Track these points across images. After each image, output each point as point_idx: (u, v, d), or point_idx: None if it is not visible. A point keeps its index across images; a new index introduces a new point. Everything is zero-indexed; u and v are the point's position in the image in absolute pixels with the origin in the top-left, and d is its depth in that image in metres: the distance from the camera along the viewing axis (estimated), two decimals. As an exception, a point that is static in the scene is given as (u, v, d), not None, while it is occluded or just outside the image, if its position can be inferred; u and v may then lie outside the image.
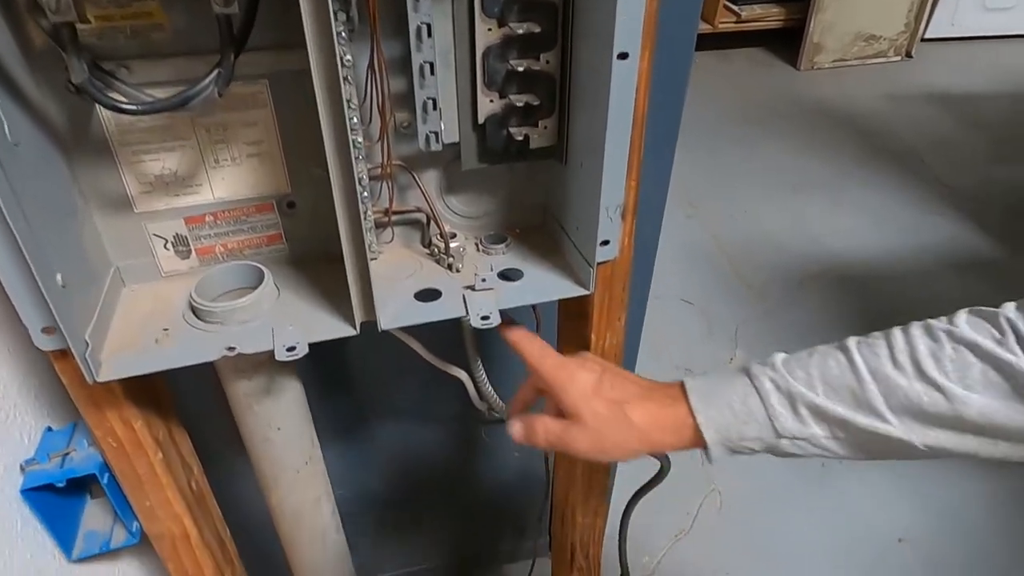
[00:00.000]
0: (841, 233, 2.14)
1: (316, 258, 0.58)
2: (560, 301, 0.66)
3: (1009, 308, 0.46)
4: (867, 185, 2.37)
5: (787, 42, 3.18)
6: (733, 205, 2.26)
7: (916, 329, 0.48)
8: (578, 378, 0.52)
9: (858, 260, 2.03)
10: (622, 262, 0.57)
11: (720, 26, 3.09)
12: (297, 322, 0.51)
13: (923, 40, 3.26)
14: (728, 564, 1.30)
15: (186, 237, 0.54)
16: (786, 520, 1.37)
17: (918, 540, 1.33)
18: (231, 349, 0.48)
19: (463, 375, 0.78)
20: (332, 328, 0.50)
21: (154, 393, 0.57)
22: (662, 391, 0.53)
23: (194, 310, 0.51)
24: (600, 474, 0.75)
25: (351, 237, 0.48)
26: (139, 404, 0.54)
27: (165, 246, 0.54)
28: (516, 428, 0.54)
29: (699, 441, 0.51)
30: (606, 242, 0.54)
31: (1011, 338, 0.43)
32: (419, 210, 0.58)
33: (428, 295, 0.54)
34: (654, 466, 0.74)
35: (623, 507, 0.84)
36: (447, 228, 0.58)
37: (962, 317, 0.47)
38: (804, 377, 0.49)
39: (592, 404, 0.51)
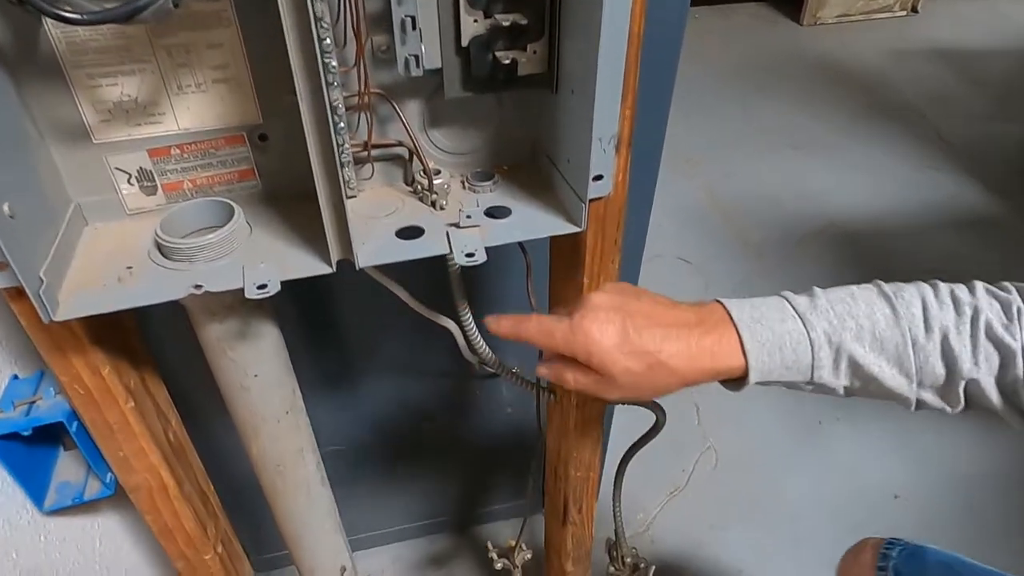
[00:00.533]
0: (840, 190, 2.10)
1: (291, 196, 0.54)
2: (552, 244, 0.63)
3: (1018, 296, 0.47)
4: (867, 142, 2.32)
5: (789, -3, 3.10)
6: (731, 163, 2.22)
7: (944, 294, 0.48)
8: (597, 338, 0.47)
9: (858, 217, 2.00)
10: (616, 199, 0.54)
11: (721, -21, 3.00)
12: (269, 260, 0.48)
13: (928, -5, 3.18)
14: (723, 521, 1.29)
15: (151, 171, 0.51)
16: (781, 477, 1.36)
17: (913, 496, 1.33)
18: (198, 287, 0.45)
19: (452, 325, 0.75)
20: (306, 266, 0.47)
21: (123, 339, 0.54)
22: (701, 318, 0.50)
23: (160, 248, 0.48)
24: (594, 427, 0.73)
25: (324, 170, 0.45)
26: (107, 350, 0.52)
27: (129, 181, 0.51)
28: (544, 372, 0.52)
29: (739, 376, 0.50)
30: (599, 177, 0.51)
31: (1016, 324, 0.46)
32: (401, 144, 0.54)
33: (410, 233, 0.51)
34: (648, 419, 0.73)
35: (617, 462, 0.83)
36: (431, 165, 0.55)
37: (980, 291, 0.48)
38: (854, 328, 0.48)
39: (622, 363, 0.47)
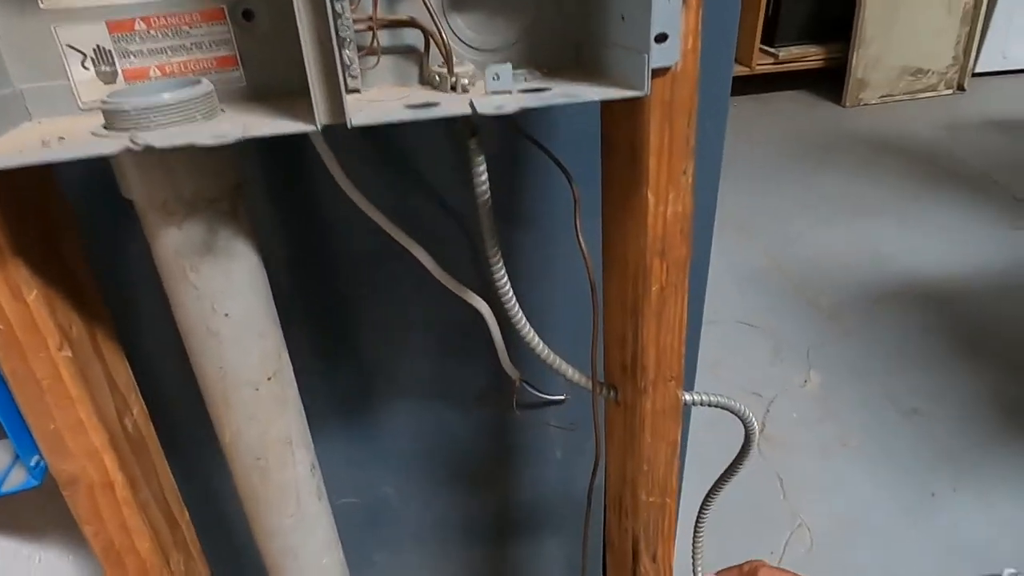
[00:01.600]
0: (914, 252, 1.93)
1: (281, 94, 0.44)
2: (605, 159, 0.51)
3: None
4: (937, 207, 2.17)
5: (829, 82, 3.07)
6: (792, 231, 2.09)
7: None
8: None
9: (937, 278, 1.82)
10: (686, 76, 0.42)
11: (757, 68, 3.01)
12: (237, 122, 0.37)
13: (974, 75, 3.12)
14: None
15: (110, 52, 0.42)
16: (891, 560, 1.11)
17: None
18: (136, 143, 0.34)
19: (483, 306, 0.62)
20: (283, 124, 0.36)
21: (62, 264, 0.43)
22: None
23: (105, 116, 0.37)
24: (671, 429, 0.56)
25: (317, 49, 0.35)
26: (37, 270, 0.40)
27: (83, 63, 0.42)
28: None
29: None
30: (663, 36, 0.39)
31: None
32: (415, 23, 0.44)
33: (422, 105, 0.40)
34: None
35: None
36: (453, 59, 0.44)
37: None
38: None
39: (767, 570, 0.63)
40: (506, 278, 0.56)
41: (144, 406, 0.53)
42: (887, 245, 1.98)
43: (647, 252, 0.48)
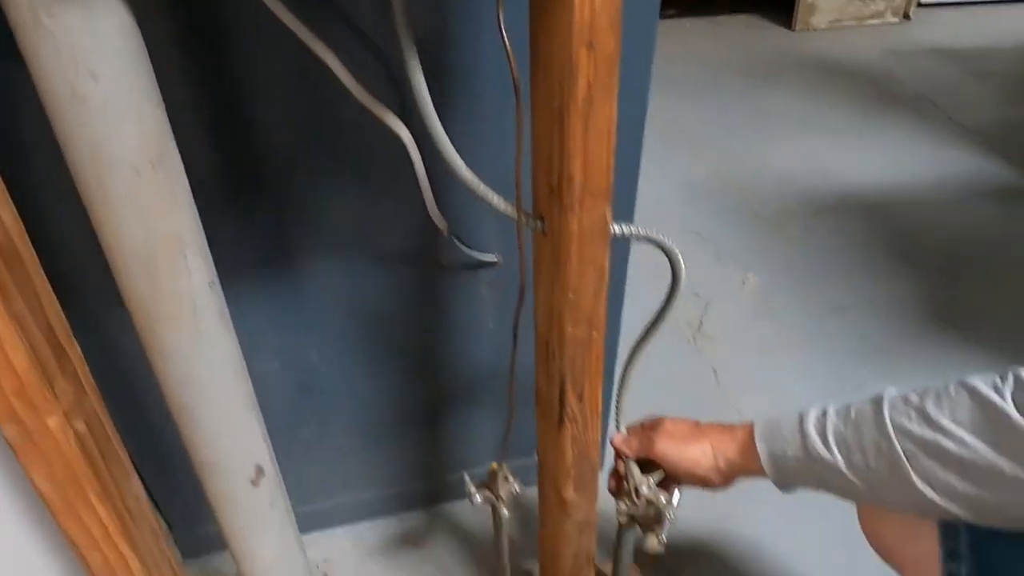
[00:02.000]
0: (855, 166, 1.96)
1: None
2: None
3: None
4: (879, 127, 2.20)
5: (780, 6, 3.05)
6: (736, 145, 2.09)
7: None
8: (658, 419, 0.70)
9: (877, 190, 1.85)
10: None
11: (710, -12, 2.96)
12: None
13: (920, 5, 3.14)
14: (757, 492, 1.08)
15: None
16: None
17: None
18: None
19: (403, 131, 0.57)
20: None
21: None
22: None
23: None
24: (599, 255, 0.54)
25: None
26: None
27: None
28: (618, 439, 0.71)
29: (752, 447, 0.61)
30: None
31: (1007, 388, 0.47)
32: None
33: None
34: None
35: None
36: None
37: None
38: (842, 417, 0.56)
39: (670, 420, 0.69)
40: (426, 91, 0.51)
41: (17, 215, 0.47)
42: (830, 161, 2.00)
43: (573, 41, 0.44)
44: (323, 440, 0.91)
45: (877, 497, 0.55)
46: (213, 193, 0.66)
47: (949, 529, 0.57)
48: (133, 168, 0.41)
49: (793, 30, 2.98)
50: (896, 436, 0.51)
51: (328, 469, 0.95)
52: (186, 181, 0.45)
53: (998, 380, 0.48)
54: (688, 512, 1.04)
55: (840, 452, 0.55)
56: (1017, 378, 0.47)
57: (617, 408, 0.73)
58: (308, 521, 0.99)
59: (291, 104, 0.64)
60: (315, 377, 0.84)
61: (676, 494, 0.70)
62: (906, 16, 3.10)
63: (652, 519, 0.71)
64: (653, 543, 0.70)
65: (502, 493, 0.71)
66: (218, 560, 0.99)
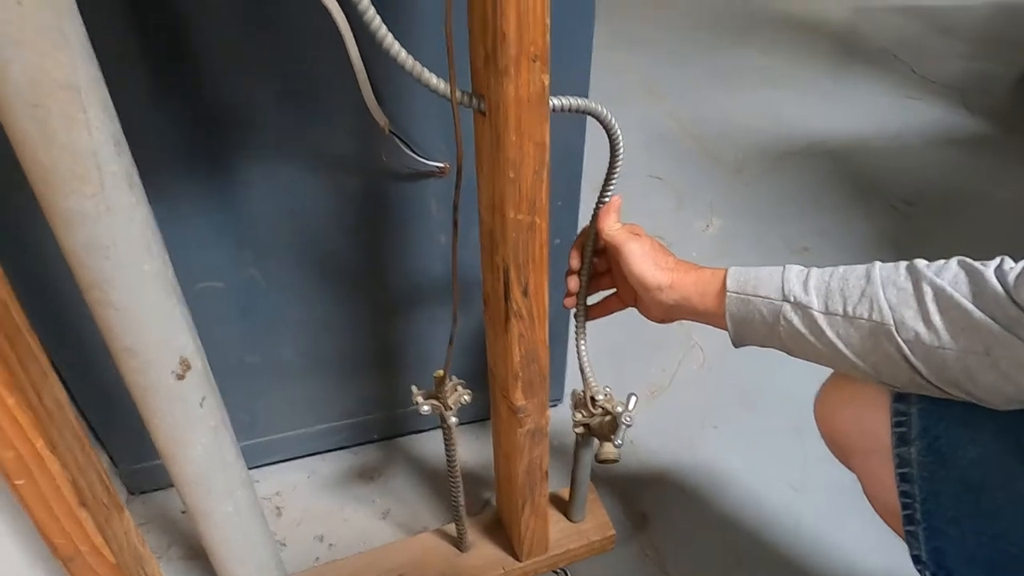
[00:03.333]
0: (819, 118, 1.96)
1: None
2: None
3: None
4: (842, 80, 2.20)
5: (748, -35, 3.03)
6: (699, 97, 2.07)
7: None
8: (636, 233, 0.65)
9: (837, 139, 1.85)
10: None
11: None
12: None
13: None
14: (713, 420, 1.08)
15: None
16: (777, 368, 1.15)
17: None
18: None
19: (335, 9, 0.54)
20: None
21: None
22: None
23: None
24: (537, 129, 0.51)
25: None
26: None
27: None
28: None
29: (722, 291, 0.60)
30: None
31: (992, 264, 0.49)
32: None
33: None
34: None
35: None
36: None
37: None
38: (824, 272, 0.56)
39: (641, 239, 0.64)
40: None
41: None
42: (791, 111, 1.99)
43: None
44: (270, 369, 0.88)
45: (841, 349, 0.54)
46: (138, 86, 0.62)
47: (901, 415, 0.56)
48: (14, -5, 0.37)
49: (761, -12, 2.97)
50: (882, 283, 0.52)
51: (277, 400, 0.92)
52: (81, 25, 0.41)
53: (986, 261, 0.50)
54: (647, 440, 1.04)
55: (817, 296, 0.54)
56: (1003, 259, 0.49)
57: (578, 310, 0.71)
58: (258, 453, 0.96)
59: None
60: (258, 298, 0.80)
61: (632, 400, 0.69)
62: (872, -25, 3.11)
63: (608, 427, 0.70)
64: (609, 450, 0.69)
65: (450, 401, 0.69)
66: (163, 497, 0.96)
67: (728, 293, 0.59)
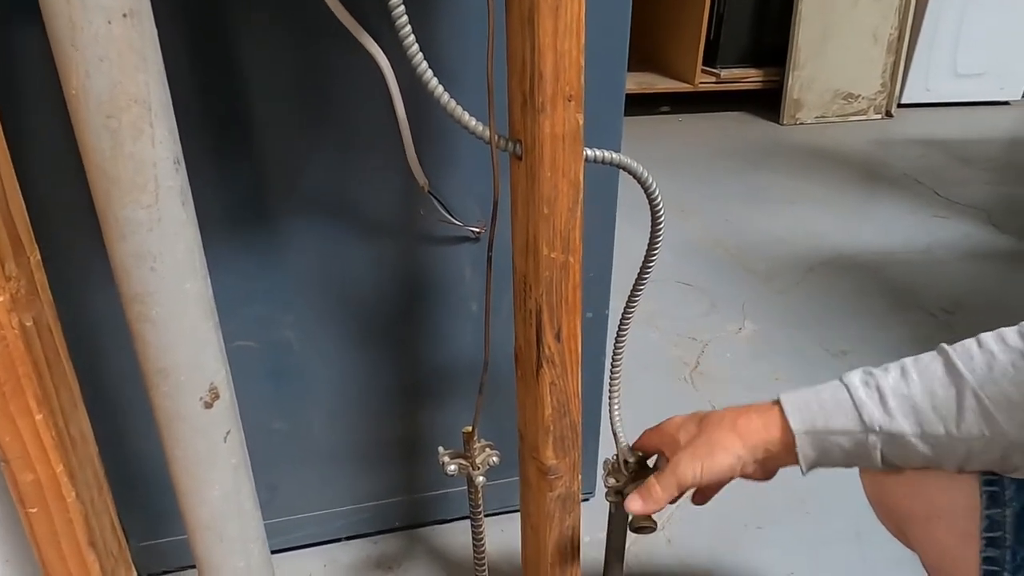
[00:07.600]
0: (846, 232, 1.99)
1: None
2: None
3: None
4: (867, 200, 2.26)
5: (768, 103, 3.21)
6: (729, 213, 2.13)
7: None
8: (667, 422, 0.63)
9: (868, 252, 1.86)
10: None
11: (700, 85, 3.13)
12: None
13: (901, 105, 3.30)
14: (760, 518, 1.00)
15: None
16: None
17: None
18: None
19: (379, 53, 0.59)
20: None
21: None
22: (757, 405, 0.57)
23: None
24: (567, 184, 0.53)
25: None
26: None
27: None
28: (635, 503, 0.58)
29: (787, 433, 0.53)
30: None
31: None
32: None
33: None
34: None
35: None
36: None
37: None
38: (897, 373, 0.52)
39: (684, 428, 0.60)
40: (405, 17, 0.53)
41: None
42: (819, 226, 2.02)
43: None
44: (296, 438, 0.86)
45: (943, 463, 0.50)
46: (195, 141, 0.67)
47: (991, 474, 0.52)
48: (106, 16, 0.41)
49: (781, 124, 3.12)
50: (972, 381, 0.48)
51: (300, 474, 0.89)
52: (158, 48, 0.45)
53: None
54: (686, 539, 0.97)
55: (904, 418, 0.49)
56: None
57: (611, 394, 0.69)
58: (276, 535, 0.92)
59: (274, 44, 0.65)
60: (290, 359, 0.80)
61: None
62: (888, 114, 3.26)
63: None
64: (644, 518, 0.65)
65: (478, 461, 0.66)
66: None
67: (797, 434, 0.53)
